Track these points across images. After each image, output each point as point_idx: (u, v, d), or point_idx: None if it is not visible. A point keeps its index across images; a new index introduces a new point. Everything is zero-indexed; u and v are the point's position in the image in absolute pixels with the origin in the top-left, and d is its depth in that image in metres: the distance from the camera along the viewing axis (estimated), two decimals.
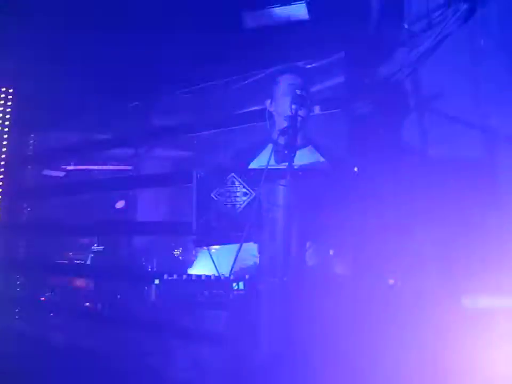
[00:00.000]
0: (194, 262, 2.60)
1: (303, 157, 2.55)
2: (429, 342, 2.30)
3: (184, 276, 1.98)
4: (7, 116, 3.28)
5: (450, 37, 2.98)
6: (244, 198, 1.95)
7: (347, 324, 2.20)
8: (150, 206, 6.92)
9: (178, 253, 5.94)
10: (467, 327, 2.26)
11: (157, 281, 1.98)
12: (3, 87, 3.41)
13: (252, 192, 1.94)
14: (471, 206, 2.43)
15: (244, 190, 1.95)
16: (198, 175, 1.98)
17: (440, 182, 2.47)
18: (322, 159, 2.63)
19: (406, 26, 3.15)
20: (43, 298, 5.89)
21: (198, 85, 4.62)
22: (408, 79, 3.16)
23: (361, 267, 2.41)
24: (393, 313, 2.23)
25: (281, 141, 1.85)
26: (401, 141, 3.16)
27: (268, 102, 2.73)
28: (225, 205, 1.95)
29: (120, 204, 7.00)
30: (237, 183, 1.96)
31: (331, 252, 2.50)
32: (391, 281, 2.17)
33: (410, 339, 2.28)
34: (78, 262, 5.95)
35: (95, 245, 6.09)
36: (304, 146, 2.66)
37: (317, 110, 3.03)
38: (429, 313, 2.32)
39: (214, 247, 2.11)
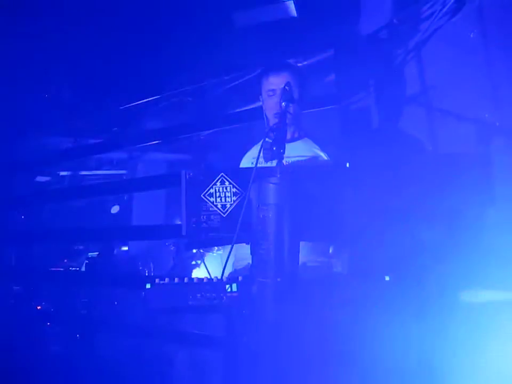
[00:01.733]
0: (195, 264, 2.57)
1: (298, 149, 2.54)
2: (428, 339, 2.27)
3: (176, 280, 1.95)
4: None
5: (439, 30, 2.97)
6: (234, 198, 1.91)
7: (343, 323, 2.17)
8: (145, 209, 6.89)
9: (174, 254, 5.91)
10: (467, 323, 2.24)
11: (148, 286, 1.94)
12: None
13: (242, 191, 1.91)
14: (470, 201, 2.41)
15: (234, 189, 1.92)
16: (187, 176, 1.95)
17: (437, 177, 2.44)
18: (317, 151, 2.62)
19: (395, 21, 3.14)
20: (39, 308, 5.85)
21: (190, 86, 4.60)
22: (399, 73, 3.14)
23: (356, 265, 2.38)
24: (390, 311, 2.20)
25: (271, 138, 1.82)
26: (394, 136, 3.14)
27: (261, 99, 2.72)
28: (215, 205, 1.92)
29: (114, 209, 6.97)
30: (226, 182, 1.92)
31: (326, 250, 2.49)
32: (387, 278, 2.13)
33: (409, 337, 2.25)
34: (73, 269, 5.90)
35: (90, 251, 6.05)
36: (299, 138, 2.65)
37: (309, 107, 3.01)
38: (428, 310, 2.29)
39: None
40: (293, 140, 2.64)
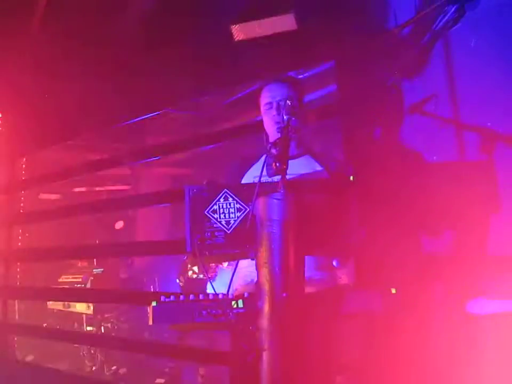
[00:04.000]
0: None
1: (300, 167, 2.51)
2: (435, 350, 2.25)
3: (181, 297, 1.93)
4: None
5: (440, 39, 2.97)
6: (238, 214, 1.90)
7: (350, 336, 2.15)
8: (150, 225, 6.89)
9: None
10: (473, 333, 2.22)
11: (154, 303, 1.92)
12: None
13: (246, 207, 1.90)
14: (475, 209, 2.39)
15: (238, 205, 1.91)
16: (190, 192, 1.94)
17: (441, 187, 2.43)
18: (319, 168, 2.58)
19: (396, 30, 3.14)
20: (45, 325, 5.84)
21: (191, 100, 4.60)
22: (400, 82, 3.14)
23: (363, 277, 2.36)
24: (396, 322, 2.19)
25: (273, 152, 1.81)
26: (399, 146, 3.13)
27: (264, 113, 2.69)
28: (219, 221, 1.90)
29: (119, 224, 6.96)
30: (230, 198, 1.91)
31: (331, 264, 2.46)
32: (394, 290, 2.12)
33: (416, 348, 2.23)
34: (78, 285, 5.90)
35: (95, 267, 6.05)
36: (300, 155, 2.62)
37: (311, 120, 2.99)
38: (434, 320, 2.28)
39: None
40: (294, 157, 2.59)
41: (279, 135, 1.91)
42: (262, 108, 2.61)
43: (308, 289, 1.93)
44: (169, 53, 3.92)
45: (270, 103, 2.54)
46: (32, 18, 3.75)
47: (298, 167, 2.45)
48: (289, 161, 1.82)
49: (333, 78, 3.58)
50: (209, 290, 2.07)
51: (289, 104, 2.03)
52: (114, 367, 4.97)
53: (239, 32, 3.49)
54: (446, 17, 2.92)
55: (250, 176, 2.66)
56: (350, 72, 3.36)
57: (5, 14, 3.63)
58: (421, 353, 2.20)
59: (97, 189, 7.05)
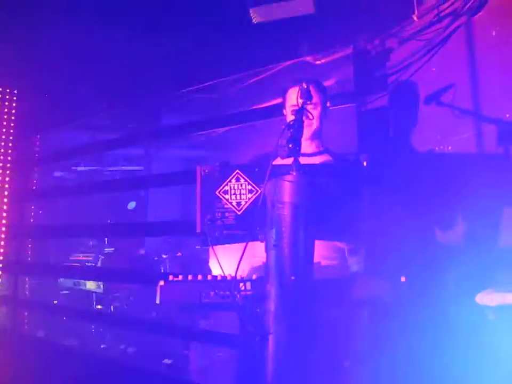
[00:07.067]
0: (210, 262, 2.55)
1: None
2: (444, 340, 2.24)
3: (190, 277, 1.93)
4: (12, 118, 3.25)
5: (461, 27, 2.91)
6: (249, 195, 1.89)
7: (358, 324, 2.14)
8: (161, 206, 6.91)
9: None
10: (483, 325, 2.20)
11: (161, 283, 1.92)
12: (8, 88, 3.39)
13: (257, 189, 1.88)
14: (490, 201, 2.36)
15: (249, 187, 1.90)
16: (202, 173, 1.93)
17: (457, 177, 2.40)
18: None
19: (415, 18, 3.09)
20: (56, 302, 5.89)
21: (207, 82, 4.58)
22: (419, 71, 3.10)
23: (373, 265, 2.35)
24: (406, 310, 2.17)
25: (287, 135, 1.79)
26: (413, 135, 3.10)
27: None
28: (230, 202, 1.90)
29: (131, 205, 7.00)
30: (242, 180, 1.90)
31: (342, 249, 2.46)
32: (403, 279, 2.11)
33: (425, 336, 2.22)
34: (88, 264, 5.94)
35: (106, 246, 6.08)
36: (319, 153, 2.62)
37: (327, 105, 2.98)
38: (444, 310, 2.26)
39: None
40: (313, 154, 2.61)
41: (294, 117, 1.89)
42: (288, 109, 2.65)
43: (317, 275, 1.92)
44: (189, 36, 3.92)
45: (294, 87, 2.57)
46: None
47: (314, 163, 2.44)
48: (306, 158, 1.80)
49: (349, 63, 3.54)
50: (213, 270, 2.08)
51: (305, 88, 2.00)
52: (122, 346, 5.01)
53: (257, 15, 3.46)
54: (468, 4, 2.87)
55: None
56: (367, 58, 3.33)
57: None
58: (430, 342, 2.19)
59: (110, 168, 7.07)
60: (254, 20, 3.46)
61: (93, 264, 5.86)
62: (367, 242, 2.24)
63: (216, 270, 2.04)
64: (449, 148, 2.94)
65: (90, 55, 4.21)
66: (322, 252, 2.23)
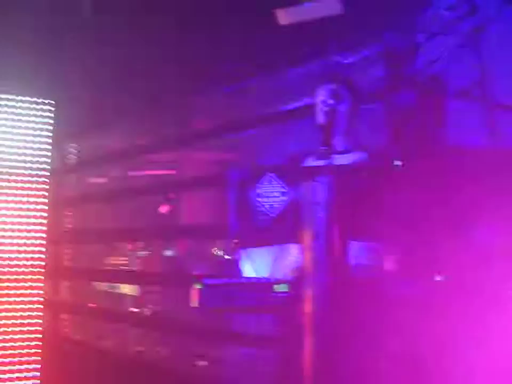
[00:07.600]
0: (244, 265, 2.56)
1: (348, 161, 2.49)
2: (481, 340, 2.21)
3: (225, 280, 1.95)
4: (50, 128, 3.34)
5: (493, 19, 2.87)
6: (283, 198, 1.90)
7: (395, 324, 2.13)
8: (194, 209, 6.95)
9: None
10: None
11: (198, 286, 1.94)
12: (46, 100, 3.48)
13: (291, 190, 1.89)
14: None
15: (282, 189, 1.90)
16: (235, 176, 1.94)
17: (494, 173, 2.36)
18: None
19: (444, 11, 3.05)
20: (92, 305, 5.99)
21: (237, 85, 4.61)
22: (450, 65, 3.05)
23: (408, 264, 2.33)
24: (443, 310, 2.15)
25: (319, 137, 1.79)
26: (447, 132, 3.06)
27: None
28: (263, 205, 1.91)
29: (163, 208, 7.06)
30: (274, 182, 1.91)
31: (377, 249, 2.44)
32: (439, 278, 2.08)
33: (463, 336, 2.19)
34: (124, 267, 6.02)
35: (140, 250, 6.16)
36: (351, 151, 2.61)
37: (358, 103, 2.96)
38: (483, 309, 2.23)
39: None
40: (345, 152, 2.59)
41: (325, 119, 1.89)
42: (317, 106, 2.62)
43: (353, 275, 1.92)
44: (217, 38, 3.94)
45: (324, 88, 2.55)
46: None
47: (346, 161, 2.43)
48: (339, 157, 1.79)
49: (379, 61, 3.51)
50: (248, 273, 2.08)
51: (335, 89, 2.00)
52: (157, 349, 5.06)
53: (284, 16, 3.46)
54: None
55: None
56: (397, 55, 3.30)
57: None
58: (467, 342, 2.16)
59: (142, 173, 7.15)
60: (281, 21, 3.46)
61: (128, 268, 5.94)
62: (402, 241, 2.22)
63: (249, 272, 2.05)
64: (483, 143, 2.89)
65: (120, 59, 4.27)
66: (357, 251, 2.22)
